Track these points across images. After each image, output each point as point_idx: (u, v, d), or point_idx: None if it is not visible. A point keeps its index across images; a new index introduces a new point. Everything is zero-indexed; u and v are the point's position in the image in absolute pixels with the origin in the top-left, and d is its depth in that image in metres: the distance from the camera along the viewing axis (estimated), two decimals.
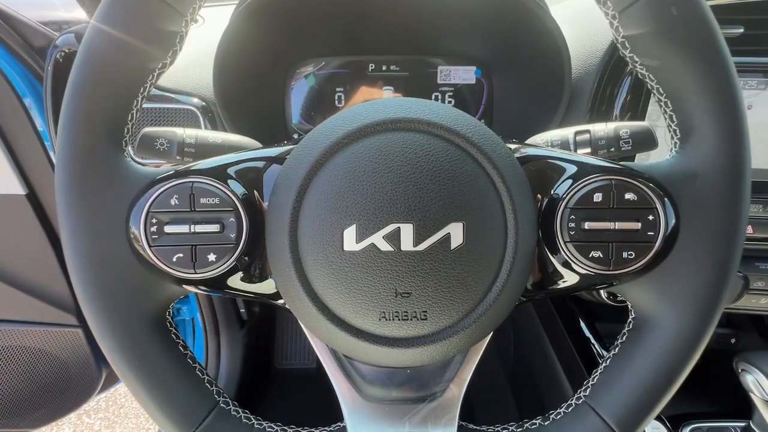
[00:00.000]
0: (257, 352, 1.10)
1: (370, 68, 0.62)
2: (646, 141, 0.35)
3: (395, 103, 0.27)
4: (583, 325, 0.68)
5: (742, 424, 0.52)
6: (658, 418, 0.56)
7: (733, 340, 0.67)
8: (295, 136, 0.64)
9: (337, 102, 0.64)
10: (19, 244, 0.70)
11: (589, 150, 0.36)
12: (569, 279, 0.28)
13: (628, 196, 0.26)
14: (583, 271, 0.27)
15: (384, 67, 0.62)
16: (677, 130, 0.28)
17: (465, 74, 0.63)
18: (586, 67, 0.51)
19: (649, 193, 0.26)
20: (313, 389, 1.08)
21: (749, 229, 0.51)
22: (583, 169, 0.28)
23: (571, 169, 0.28)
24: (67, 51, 0.46)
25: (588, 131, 0.37)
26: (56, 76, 0.48)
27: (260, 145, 0.41)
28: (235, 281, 0.28)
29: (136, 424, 1.42)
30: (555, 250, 0.28)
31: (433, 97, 0.63)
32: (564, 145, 0.37)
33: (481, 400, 0.91)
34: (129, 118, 0.27)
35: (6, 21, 0.61)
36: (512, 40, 0.55)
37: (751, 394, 0.48)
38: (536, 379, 0.84)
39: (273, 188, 0.27)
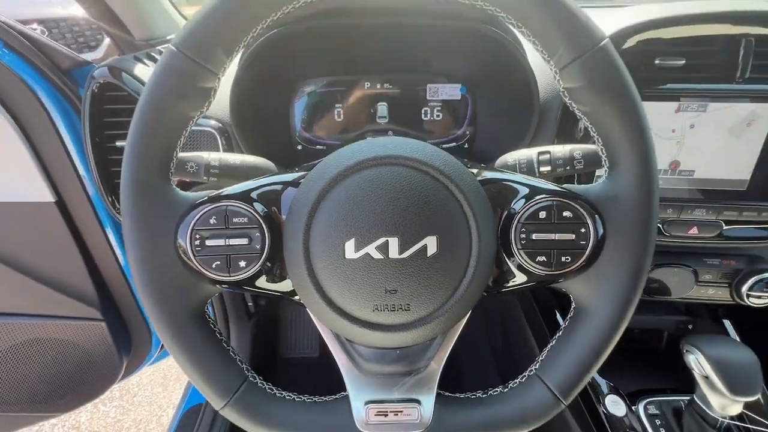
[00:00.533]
0: (263, 343, 1.18)
1: (366, 86, 0.69)
2: (595, 161, 0.43)
3: (384, 142, 0.34)
4: (558, 315, 0.76)
5: (688, 398, 0.60)
6: (619, 395, 0.65)
7: (690, 326, 0.75)
8: (299, 147, 0.71)
9: (336, 117, 0.71)
10: (50, 247, 0.77)
11: (549, 168, 0.44)
12: (522, 278, 0.36)
13: (566, 213, 0.34)
14: (532, 272, 0.35)
15: (378, 85, 0.69)
16: (606, 161, 0.35)
17: (451, 91, 0.70)
18: (554, 91, 0.58)
19: (582, 211, 0.34)
20: (315, 376, 1.16)
21: (695, 230, 0.59)
22: (533, 191, 0.35)
23: (524, 190, 0.36)
24: (101, 82, 0.53)
25: (549, 152, 0.44)
26: (93, 104, 0.55)
27: (272, 165, 0.49)
28: (261, 282, 0.35)
29: (149, 411, 1.51)
30: (511, 255, 0.35)
31: (423, 111, 0.70)
32: (529, 163, 0.45)
33: (472, 378, 1.00)
34: (174, 155, 0.34)
35: (36, 46, 0.67)
36: (491, 67, 0.62)
37: (693, 372, 0.56)
38: (518, 360, 0.93)
39: (289, 209, 0.35)
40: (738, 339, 0.70)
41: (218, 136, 0.56)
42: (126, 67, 0.54)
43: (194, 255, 0.33)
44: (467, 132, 0.71)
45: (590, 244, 0.34)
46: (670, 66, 0.52)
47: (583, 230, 0.34)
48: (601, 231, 0.34)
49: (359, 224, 0.32)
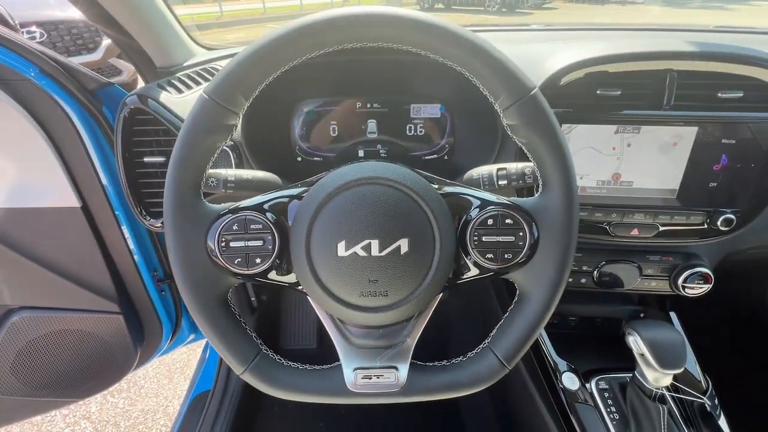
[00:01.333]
0: (265, 335, 1.28)
1: (358, 106, 0.79)
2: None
3: (367, 166, 0.44)
4: None
5: (631, 375, 0.71)
6: (574, 372, 0.75)
7: (642, 315, 0.86)
8: (299, 159, 0.81)
9: (331, 132, 0.80)
10: (75, 247, 0.86)
11: (506, 182, 0.54)
12: (476, 271, 0.46)
13: (508, 221, 0.44)
14: (483, 266, 0.45)
15: (369, 105, 0.79)
16: (540, 179, 0.45)
17: (432, 110, 0.80)
18: None
19: (520, 219, 0.44)
20: (314, 365, 1.27)
21: (636, 231, 0.69)
22: (484, 203, 0.45)
23: (477, 202, 0.46)
24: (132, 108, 0.62)
25: (505, 168, 0.54)
26: (125, 127, 0.64)
27: (278, 178, 0.58)
28: (272, 275, 0.45)
29: (156, 402, 1.60)
30: (467, 253, 0.45)
31: (407, 127, 0.80)
32: (490, 177, 0.55)
33: (453, 353, 1.12)
34: (204, 176, 0.44)
35: (66, 71, 0.76)
36: (464, 93, 0.72)
37: (632, 350, 0.66)
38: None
39: (294, 218, 0.44)
40: (679, 325, 0.80)
41: (231, 153, 0.66)
42: (152, 95, 0.63)
43: (221, 254, 0.43)
44: (446, 145, 0.81)
45: (526, 244, 0.44)
46: (609, 95, 0.62)
47: (521, 233, 0.44)
48: (536, 234, 0.44)
49: (348, 230, 0.42)
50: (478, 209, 0.45)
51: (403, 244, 0.42)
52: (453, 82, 0.75)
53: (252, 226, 0.43)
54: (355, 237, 0.41)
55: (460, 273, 0.46)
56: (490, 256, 0.44)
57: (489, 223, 0.44)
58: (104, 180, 0.81)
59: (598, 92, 0.62)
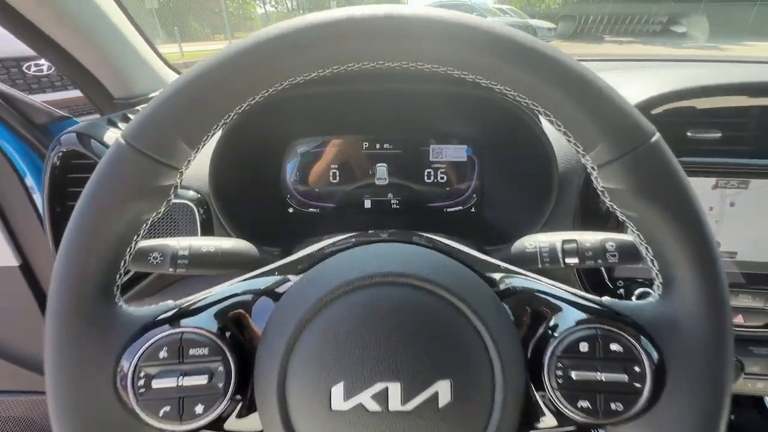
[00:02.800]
0: None
1: (364, 146, 0.64)
2: (631, 255, 0.36)
3: (383, 252, 0.27)
4: None
5: None
6: None
7: (732, 417, 0.66)
8: (291, 210, 0.65)
9: (332, 178, 0.65)
10: (13, 315, 0.69)
11: (577, 260, 0.37)
12: (553, 421, 0.28)
13: (614, 347, 0.27)
14: (569, 417, 0.27)
15: (378, 145, 0.64)
16: (659, 274, 0.28)
17: (456, 152, 0.64)
18: (573, 161, 0.52)
19: (635, 344, 0.27)
20: None
21: (740, 318, 0.51)
22: (569, 313, 0.28)
23: (560, 309, 0.29)
24: (65, 150, 0.47)
25: (575, 241, 0.38)
26: (54, 172, 0.48)
27: (253, 248, 0.42)
28: (228, 424, 0.27)
29: None
30: (540, 389, 0.28)
31: (425, 173, 0.65)
32: (552, 252, 0.38)
33: None
34: (121, 266, 0.27)
35: (5, 100, 0.62)
36: (499, 130, 0.57)
37: None
38: None
39: (264, 333, 0.27)
40: None
41: (195, 209, 0.50)
42: (95, 134, 0.48)
43: (136, 400, 0.26)
44: (474, 195, 0.65)
45: (647, 387, 0.26)
46: (705, 138, 0.46)
47: (637, 369, 0.26)
48: (664, 368, 0.27)
49: (349, 364, 0.25)
50: (561, 322, 0.28)
51: (443, 390, 0.25)
52: (481, 120, 0.60)
53: (192, 351, 0.27)
54: (361, 378, 0.24)
55: (529, 421, 0.29)
56: (584, 404, 0.27)
57: (582, 349, 0.27)
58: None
59: (689, 134, 0.46)
